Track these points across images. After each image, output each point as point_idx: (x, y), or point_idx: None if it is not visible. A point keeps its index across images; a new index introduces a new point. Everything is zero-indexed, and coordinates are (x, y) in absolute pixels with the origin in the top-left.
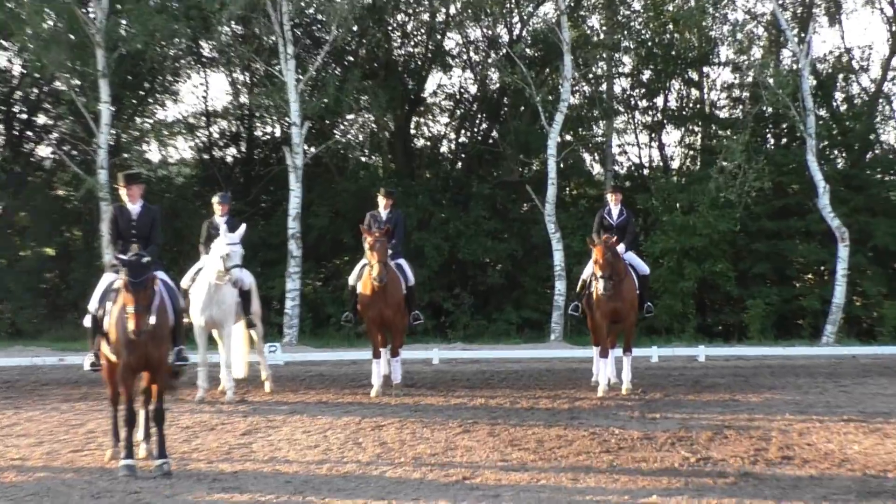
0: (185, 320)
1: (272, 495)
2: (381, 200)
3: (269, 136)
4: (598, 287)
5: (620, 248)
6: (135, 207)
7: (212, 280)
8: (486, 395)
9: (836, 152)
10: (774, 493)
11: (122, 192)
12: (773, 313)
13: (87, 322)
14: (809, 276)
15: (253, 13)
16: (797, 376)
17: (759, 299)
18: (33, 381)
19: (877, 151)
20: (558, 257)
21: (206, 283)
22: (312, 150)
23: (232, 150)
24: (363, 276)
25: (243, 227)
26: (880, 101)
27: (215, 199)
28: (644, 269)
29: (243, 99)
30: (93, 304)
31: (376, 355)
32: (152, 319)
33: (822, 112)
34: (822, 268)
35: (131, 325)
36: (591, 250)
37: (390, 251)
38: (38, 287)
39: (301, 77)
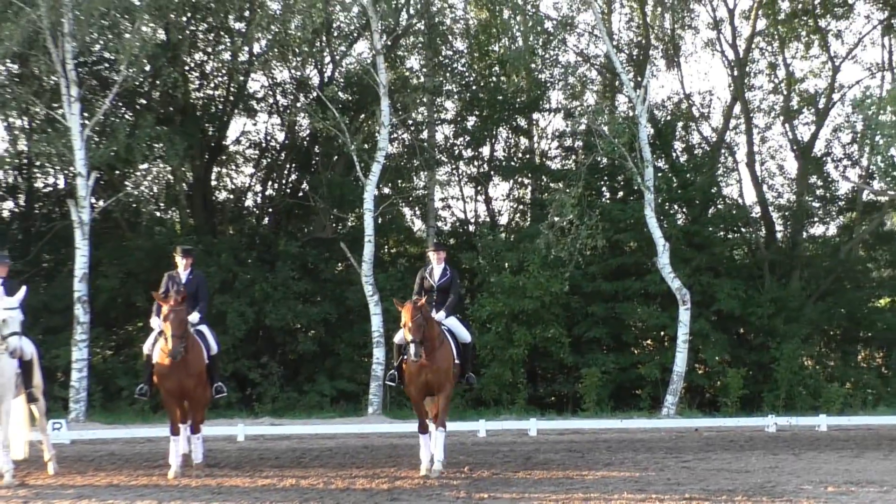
0: None
1: None
2: (179, 260)
3: (51, 188)
4: (409, 353)
5: (440, 314)
6: None
7: (5, 328)
8: (298, 475)
9: (676, 207)
10: None
11: None
12: (610, 382)
13: None
14: (648, 341)
15: (31, 50)
16: (636, 451)
17: (595, 367)
18: None
19: (719, 206)
20: (376, 322)
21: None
22: (101, 203)
23: (9, 204)
24: (159, 345)
25: (23, 290)
26: (722, 150)
27: None
28: (465, 336)
29: (21, 146)
30: None
31: (175, 432)
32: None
33: (661, 163)
34: (663, 333)
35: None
36: (401, 311)
37: (195, 317)
38: None
39: (87, 122)
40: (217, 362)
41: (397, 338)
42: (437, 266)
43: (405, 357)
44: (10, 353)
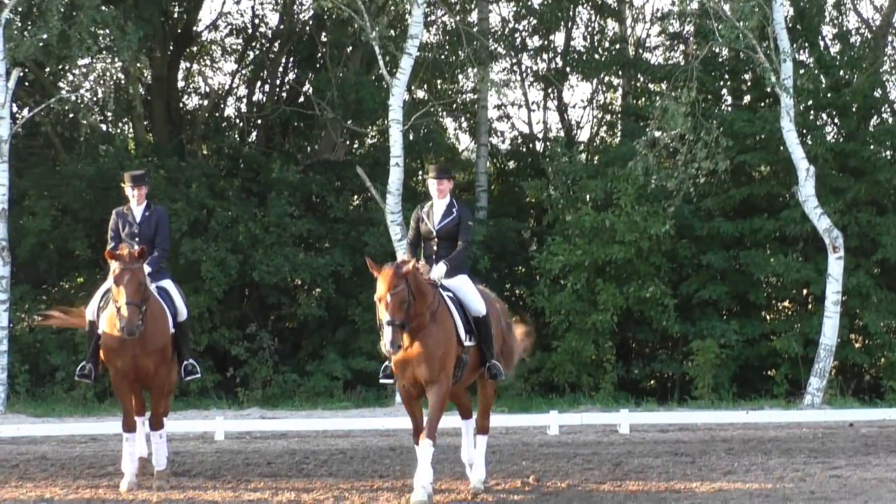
0: None
1: None
2: (130, 192)
3: None
4: (383, 339)
5: (439, 269)
6: None
7: None
8: (298, 486)
9: (824, 117)
10: None
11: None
12: (732, 360)
13: None
14: (786, 303)
15: None
16: (767, 455)
17: (711, 340)
18: None
19: (884, 116)
20: None
21: None
22: (25, 112)
23: None
24: (108, 309)
25: None
26: (890, 38)
27: None
28: (478, 307)
29: None
30: None
31: (129, 428)
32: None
33: (804, 56)
34: (805, 291)
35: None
36: (376, 279)
37: (149, 272)
38: None
39: (4, 1)
40: (187, 333)
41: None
42: (438, 201)
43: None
44: None
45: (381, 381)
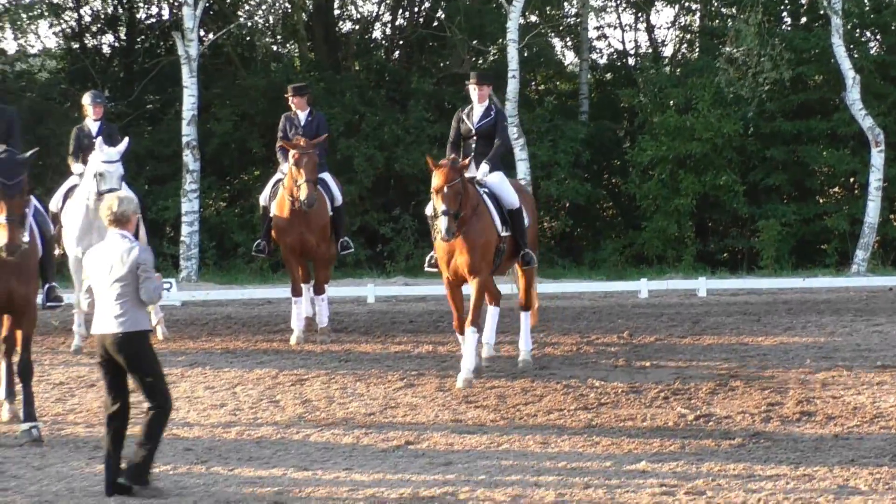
0: (57, 252)
1: (168, 466)
2: (293, 100)
3: (154, 20)
4: (439, 228)
5: (482, 167)
6: None
7: (89, 202)
8: (435, 340)
9: (868, 34)
10: (791, 457)
11: None
12: (791, 236)
13: None
14: (836, 189)
15: None
16: (820, 314)
17: (774, 219)
18: None
19: None
20: (523, 168)
21: (81, 206)
22: (210, 36)
23: (108, 38)
24: (278, 195)
25: (125, 141)
26: None
27: (86, 100)
28: (512, 201)
29: None
30: None
31: (296, 293)
32: (26, 237)
33: None
34: (853, 179)
35: (2, 240)
36: (433, 174)
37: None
38: None
39: None
40: (342, 215)
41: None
42: (478, 105)
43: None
44: None
45: (427, 269)
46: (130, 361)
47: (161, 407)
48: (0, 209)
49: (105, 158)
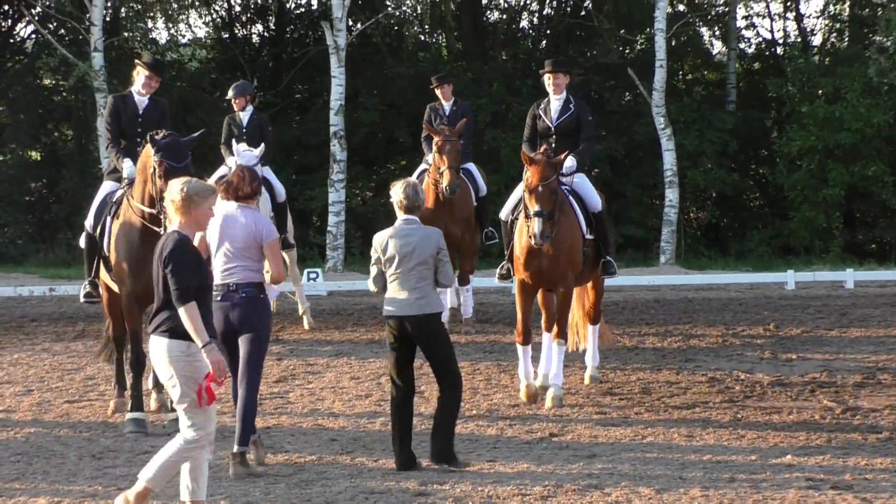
0: None
1: (313, 456)
2: (438, 91)
3: (304, 9)
4: (532, 229)
5: (568, 161)
6: (142, 100)
7: None
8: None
9: None
10: None
11: (140, 79)
12: None
13: (83, 242)
14: None
15: None
16: None
17: None
18: (18, 315)
19: None
20: (669, 159)
21: None
22: (359, 26)
23: (258, 27)
24: (423, 185)
25: (261, 148)
26: None
27: (231, 93)
28: (597, 203)
29: None
30: (89, 221)
31: None
32: None
33: None
34: None
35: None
36: (525, 170)
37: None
38: (22, 200)
39: None
40: (486, 205)
41: (504, 212)
42: (554, 97)
43: (511, 238)
44: None
45: (498, 280)
46: (429, 342)
47: (453, 385)
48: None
49: (243, 162)
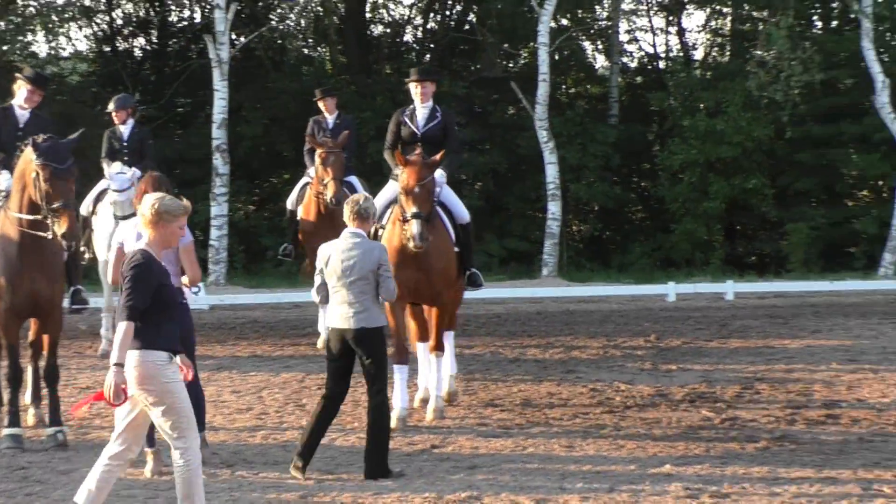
0: (87, 255)
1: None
2: (322, 103)
3: (186, 23)
4: (410, 231)
5: (437, 175)
6: (23, 113)
7: (116, 210)
8: (461, 344)
9: None
10: (815, 460)
11: (22, 93)
12: (819, 240)
13: None
14: (865, 193)
15: None
16: (847, 317)
17: (802, 223)
18: None
19: None
20: (552, 172)
21: (111, 211)
22: (242, 39)
23: (140, 41)
24: (305, 198)
25: (133, 170)
26: None
27: (111, 106)
28: (464, 214)
29: None
30: None
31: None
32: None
33: None
34: (881, 183)
35: (63, 227)
36: (399, 171)
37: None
38: None
39: None
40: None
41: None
42: (421, 106)
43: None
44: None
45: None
46: (367, 354)
47: (381, 391)
48: (55, 196)
49: (116, 187)
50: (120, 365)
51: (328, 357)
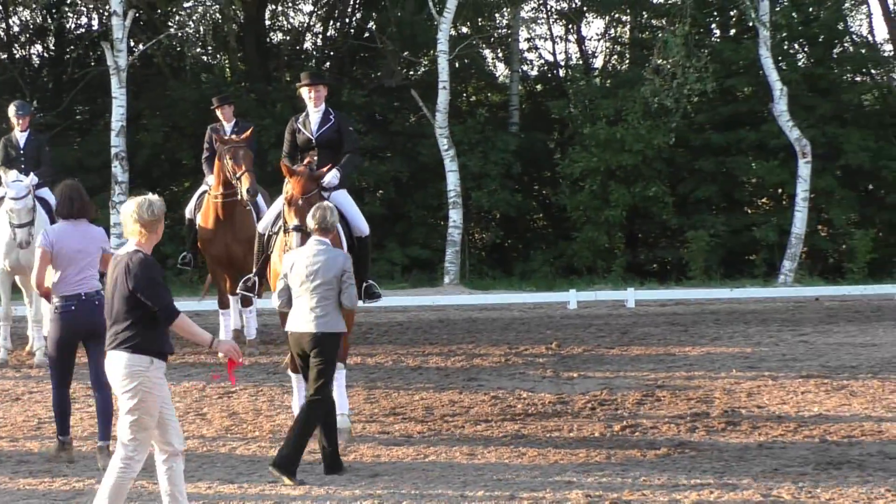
0: None
1: (92, 479)
2: (219, 111)
3: (83, 30)
4: (290, 244)
5: (330, 174)
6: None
7: (13, 218)
8: (363, 352)
9: (796, 46)
10: (715, 467)
11: None
12: (720, 247)
13: None
14: (764, 200)
15: None
16: (747, 324)
17: (703, 230)
18: None
19: (846, 45)
20: (453, 180)
21: (6, 221)
22: (140, 46)
23: (37, 48)
24: (203, 206)
25: (30, 177)
26: None
27: (11, 111)
28: (363, 227)
29: None
30: None
31: (223, 305)
32: None
33: None
34: (780, 190)
35: None
36: (286, 182)
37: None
38: None
39: None
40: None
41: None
42: (314, 111)
43: (267, 254)
44: (19, 245)
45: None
46: (322, 358)
47: (325, 396)
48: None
49: (13, 195)
50: (214, 338)
51: (300, 364)
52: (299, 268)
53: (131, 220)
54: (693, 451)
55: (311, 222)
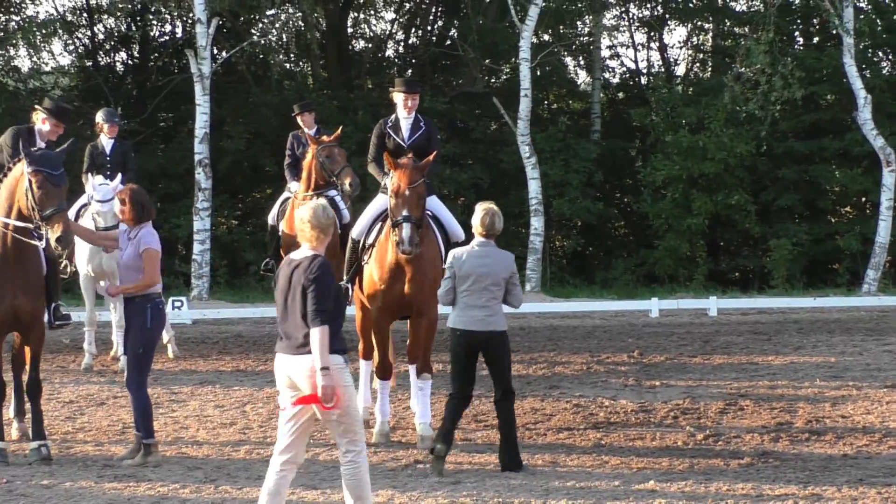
0: (69, 269)
1: (177, 485)
2: (300, 119)
3: (168, 37)
4: (400, 235)
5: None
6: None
7: (99, 221)
8: (444, 359)
9: (880, 54)
10: (799, 476)
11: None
12: (802, 256)
13: None
14: (847, 209)
15: None
16: (831, 333)
17: (785, 239)
18: None
19: None
20: (534, 187)
21: (92, 223)
22: (223, 54)
23: (122, 55)
24: (286, 213)
25: (117, 181)
26: None
27: (100, 118)
28: (459, 233)
29: None
30: None
31: None
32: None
33: (864, 2)
34: (864, 199)
35: (59, 231)
36: (389, 175)
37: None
38: None
39: None
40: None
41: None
42: (405, 117)
43: (360, 258)
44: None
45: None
46: (493, 354)
47: (507, 392)
48: (48, 202)
49: (99, 198)
50: (327, 368)
51: (454, 357)
52: (468, 267)
53: (308, 225)
54: (777, 461)
55: (478, 227)
